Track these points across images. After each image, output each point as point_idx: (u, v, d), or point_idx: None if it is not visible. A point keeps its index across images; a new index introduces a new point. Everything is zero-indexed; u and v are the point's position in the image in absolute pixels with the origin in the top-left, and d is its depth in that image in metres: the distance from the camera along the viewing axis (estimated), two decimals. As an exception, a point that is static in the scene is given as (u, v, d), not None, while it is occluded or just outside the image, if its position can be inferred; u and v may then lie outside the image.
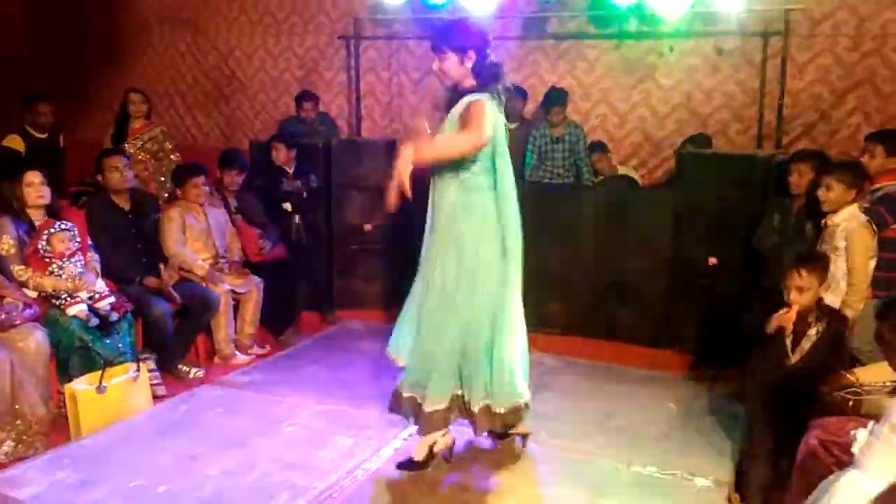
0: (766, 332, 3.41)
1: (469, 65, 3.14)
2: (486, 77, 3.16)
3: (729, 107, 5.94)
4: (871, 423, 2.61)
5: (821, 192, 3.79)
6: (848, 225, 3.73)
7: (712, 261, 4.84)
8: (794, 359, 3.38)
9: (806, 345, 3.39)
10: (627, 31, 6.07)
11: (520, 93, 6.08)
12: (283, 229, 5.50)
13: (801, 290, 3.34)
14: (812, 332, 3.38)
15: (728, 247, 4.74)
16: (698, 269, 4.87)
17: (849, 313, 3.66)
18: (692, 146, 5.51)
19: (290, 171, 5.65)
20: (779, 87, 5.51)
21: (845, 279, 3.72)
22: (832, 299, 3.72)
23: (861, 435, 2.55)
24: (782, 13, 5.44)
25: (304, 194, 5.66)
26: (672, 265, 5.05)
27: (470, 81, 3.17)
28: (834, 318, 3.45)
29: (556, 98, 5.90)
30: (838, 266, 3.72)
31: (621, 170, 6.10)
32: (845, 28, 5.53)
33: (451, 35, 3.18)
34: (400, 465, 3.37)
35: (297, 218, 5.60)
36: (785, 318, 3.34)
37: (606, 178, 5.96)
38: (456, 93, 3.20)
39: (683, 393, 4.30)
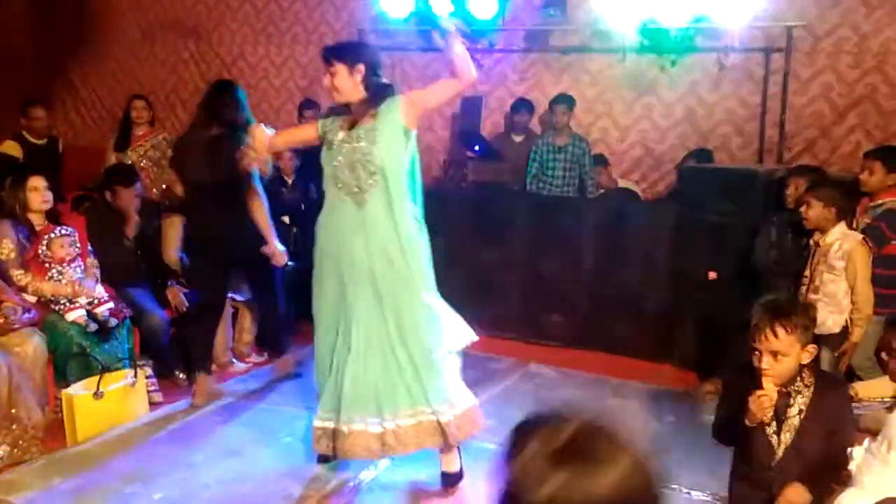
0: (746, 425, 2.44)
1: (358, 78, 3.13)
2: (377, 93, 3.15)
3: (731, 122, 5.95)
4: (866, 441, 2.60)
5: (803, 209, 3.82)
6: (845, 244, 3.72)
7: (712, 275, 4.84)
8: (779, 452, 2.46)
9: (789, 434, 2.44)
10: (630, 45, 6.09)
11: (525, 105, 6.10)
12: (282, 240, 5.48)
13: (776, 355, 2.31)
14: (793, 410, 2.42)
15: (728, 261, 4.73)
16: (698, 283, 4.86)
17: (856, 333, 3.65)
18: (694, 161, 5.52)
19: (290, 180, 5.65)
20: (780, 102, 5.53)
21: (847, 297, 3.71)
22: (836, 320, 3.71)
23: (857, 453, 2.54)
24: (785, 29, 5.47)
25: (303, 206, 5.64)
26: (672, 279, 5.04)
27: (361, 95, 3.15)
28: (830, 387, 2.51)
29: (562, 98, 5.86)
30: (839, 286, 3.73)
31: (622, 183, 6.11)
32: (847, 45, 5.55)
33: (340, 48, 3.27)
34: (449, 482, 3.31)
35: (294, 229, 5.59)
36: (760, 407, 2.34)
37: (607, 192, 5.97)
38: (357, 107, 3.16)
39: (682, 407, 4.29)
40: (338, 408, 3.15)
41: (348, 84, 3.12)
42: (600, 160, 6.05)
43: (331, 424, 3.17)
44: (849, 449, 2.56)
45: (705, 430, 3.91)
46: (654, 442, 3.42)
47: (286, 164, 5.63)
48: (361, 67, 3.12)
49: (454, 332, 3.28)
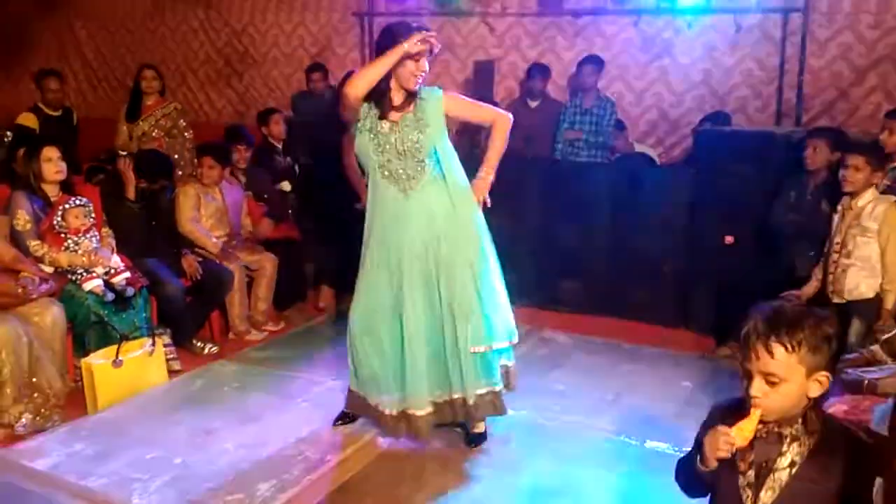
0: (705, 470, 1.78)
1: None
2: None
3: (748, 84, 5.85)
4: (890, 399, 2.57)
5: (847, 173, 3.69)
6: (878, 206, 3.65)
7: (729, 239, 4.80)
8: None
9: (770, 492, 1.71)
10: (646, 6, 5.99)
11: (541, 70, 6.02)
12: (282, 207, 5.51)
13: (771, 378, 1.66)
14: (783, 461, 1.70)
15: (745, 225, 4.69)
16: (715, 248, 4.83)
17: (890, 299, 3.58)
18: (710, 124, 5.44)
19: (280, 146, 5.70)
20: (798, 64, 5.43)
21: (879, 262, 3.65)
22: (869, 284, 3.64)
23: (879, 410, 2.51)
24: (803, -11, 5.36)
25: (296, 170, 5.66)
26: (688, 243, 5.00)
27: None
28: (844, 443, 1.70)
29: (590, 58, 5.77)
30: (872, 248, 3.66)
31: (639, 148, 6.05)
32: (866, 5, 5.43)
33: None
34: (475, 442, 3.39)
35: (292, 195, 5.61)
36: (713, 444, 1.71)
37: (623, 156, 5.91)
38: (405, 95, 3.15)
39: (698, 372, 4.28)
40: (402, 392, 3.25)
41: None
42: (618, 124, 5.98)
43: (394, 410, 3.27)
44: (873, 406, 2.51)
45: (723, 394, 3.94)
46: (670, 406, 3.44)
47: (277, 131, 5.65)
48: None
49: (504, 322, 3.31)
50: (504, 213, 5.38)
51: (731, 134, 5.17)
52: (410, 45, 2.99)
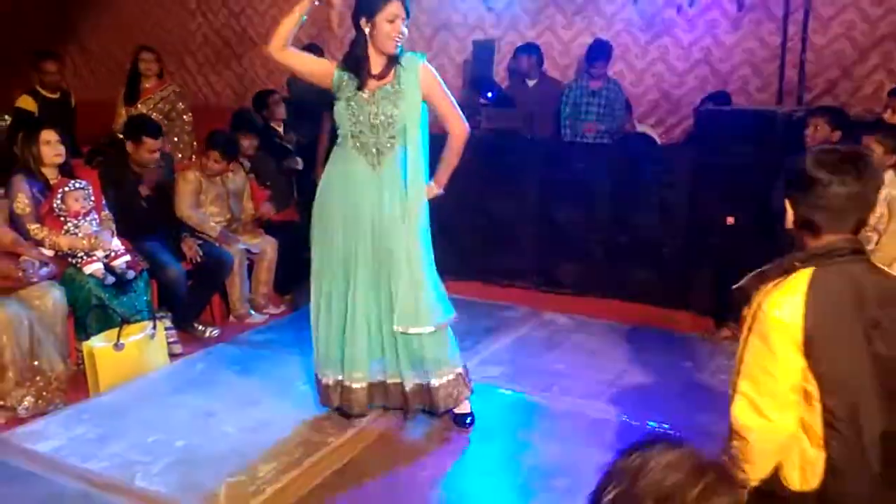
0: None
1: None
2: (402, 51, 3.16)
3: (749, 63, 5.82)
4: None
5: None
6: (889, 191, 3.63)
7: (730, 220, 4.78)
8: None
9: None
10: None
11: (534, 50, 5.99)
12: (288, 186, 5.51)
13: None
14: None
15: (746, 205, 4.67)
16: (716, 228, 4.81)
17: None
18: (712, 104, 5.41)
19: (280, 128, 5.68)
20: (801, 42, 5.38)
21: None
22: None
23: None
24: (806, -35, 5.30)
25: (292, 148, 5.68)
26: (689, 224, 4.99)
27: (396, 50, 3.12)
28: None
29: (600, 51, 5.69)
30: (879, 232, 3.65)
31: (640, 128, 6.02)
32: (871, -19, 5.38)
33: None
34: (462, 422, 3.39)
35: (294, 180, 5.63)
36: None
37: (623, 136, 5.88)
38: (385, 63, 3.11)
39: (699, 352, 4.29)
40: (341, 362, 3.29)
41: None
42: (626, 105, 5.94)
43: (336, 378, 3.32)
44: None
45: (722, 375, 3.96)
46: (671, 386, 3.45)
47: (278, 113, 5.63)
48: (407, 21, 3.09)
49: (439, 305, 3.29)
50: (503, 193, 5.42)
51: (732, 113, 5.14)
52: None
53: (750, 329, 1.83)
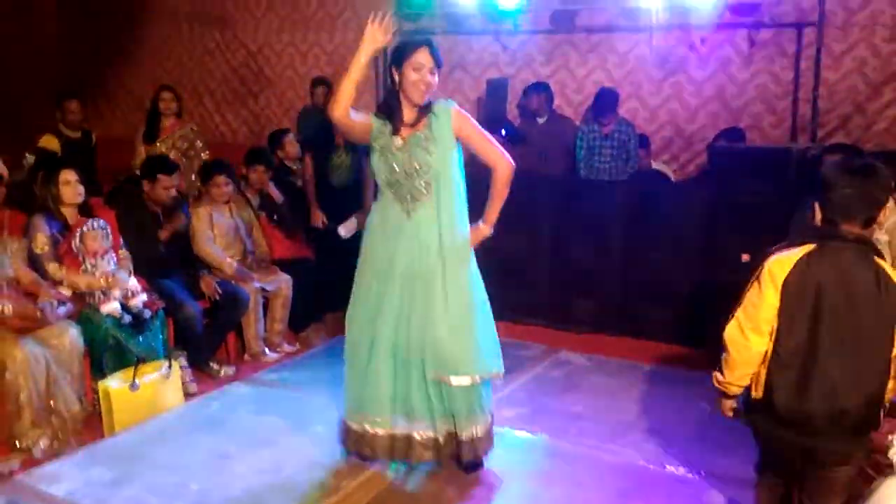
0: None
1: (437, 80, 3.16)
2: (432, 99, 3.19)
3: (762, 99, 5.84)
4: None
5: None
6: (887, 221, 3.62)
7: (745, 257, 4.75)
8: None
9: None
10: (658, 23, 5.99)
11: (544, 88, 6.05)
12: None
13: None
14: None
15: (762, 243, 4.63)
16: (732, 265, 4.78)
17: None
18: (725, 140, 5.42)
19: (295, 167, 5.71)
20: (813, 78, 5.40)
21: None
22: None
23: None
24: (816, 3, 5.33)
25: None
26: (704, 262, 4.97)
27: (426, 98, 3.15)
28: None
29: (607, 103, 5.78)
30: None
31: (655, 165, 6.04)
32: (882, 18, 5.41)
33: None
34: (471, 468, 3.32)
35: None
36: None
37: (637, 173, 5.89)
38: (417, 111, 3.14)
39: (716, 393, 4.23)
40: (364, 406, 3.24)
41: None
42: (642, 141, 5.97)
43: (360, 423, 3.28)
44: (889, 436, 2.50)
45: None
46: (689, 429, 3.38)
47: (292, 152, 5.68)
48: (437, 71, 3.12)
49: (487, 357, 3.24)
50: (518, 231, 5.42)
51: (746, 150, 5.15)
52: (368, 31, 2.98)
53: (756, 278, 2.46)
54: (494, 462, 3.39)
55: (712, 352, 4.73)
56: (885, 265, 2.37)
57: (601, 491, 3.21)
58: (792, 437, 2.41)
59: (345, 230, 5.37)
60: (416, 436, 3.24)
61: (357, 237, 5.27)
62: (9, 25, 7.77)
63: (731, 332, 2.52)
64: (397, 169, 3.12)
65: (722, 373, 2.58)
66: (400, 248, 3.15)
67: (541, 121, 6.06)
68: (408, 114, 3.14)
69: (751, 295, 2.48)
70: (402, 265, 3.14)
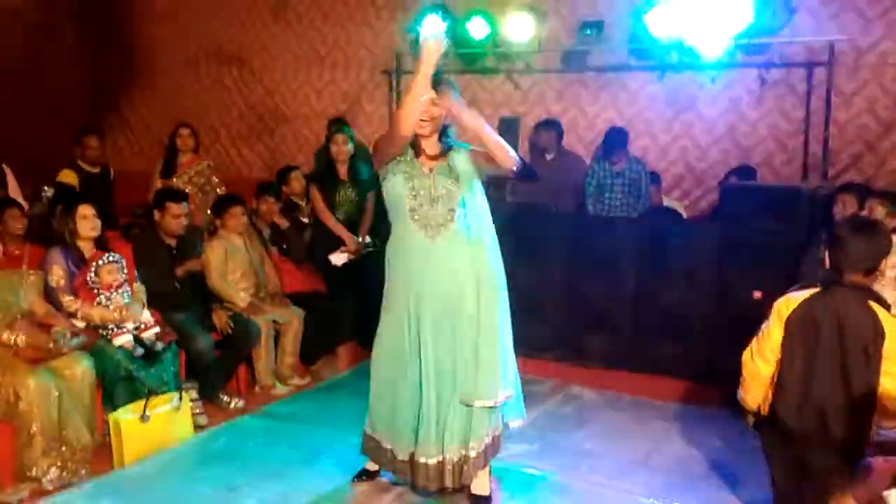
0: None
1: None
2: (443, 136, 3.29)
3: (773, 138, 5.87)
4: None
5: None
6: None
7: (757, 294, 4.74)
8: None
9: None
10: (669, 62, 6.06)
11: (553, 125, 6.11)
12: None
13: None
14: None
15: (773, 280, 4.63)
16: (743, 303, 4.77)
17: None
18: (736, 178, 5.43)
19: (303, 204, 5.76)
20: (824, 117, 5.43)
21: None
22: None
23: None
24: (827, 43, 5.38)
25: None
26: (716, 299, 4.95)
27: (436, 135, 3.24)
28: None
29: (617, 141, 5.83)
30: (887, 295, 3.62)
31: (667, 202, 6.05)
32: (892, 58, 5.45)
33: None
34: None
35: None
36: None
37: (649, 210, 5.91)
38: (434, 145, 3.22)
39: (729, 429, 4.19)
40: (415, 438, 3.22)
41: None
42: (654, 178, 6.00)
43: (406, 455, 3.25)
44: (886, 492, 2.48)
45: (754, 453, 3.85)
46: (701, 466, 3.36)
47: (298, 188, 5.74)
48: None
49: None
50: (530, 266, 5.43)
51: (758, 189, 5.16)
52: (425, 49, 3.05)
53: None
54: (503, 500, 3.36)
55: (724, 388, 4.75)
56: (880, 310, 2.71)
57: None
58: (792, 451, 2.81)
59: (336, 259, 5.42)
60: (429, 462, 3.21)
61: (354, 266, 5.38)
62: (29, 61, 7.95)
63: (745, 357, 3.00)
64: (422, 193, 3.15)
65: (742, 391, 3.05)
66: (426, 273, 3.16)
67: (549, 157, 6.11)
68: (430, 148, 3.21)
69: (764, 327, 2.95)
70: (429, 291, 3.16)
